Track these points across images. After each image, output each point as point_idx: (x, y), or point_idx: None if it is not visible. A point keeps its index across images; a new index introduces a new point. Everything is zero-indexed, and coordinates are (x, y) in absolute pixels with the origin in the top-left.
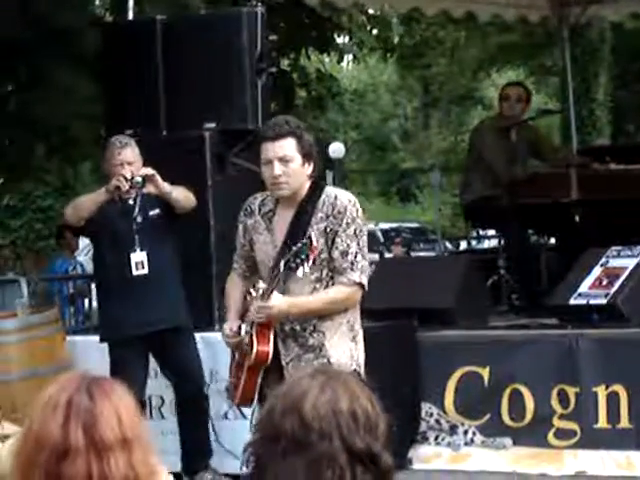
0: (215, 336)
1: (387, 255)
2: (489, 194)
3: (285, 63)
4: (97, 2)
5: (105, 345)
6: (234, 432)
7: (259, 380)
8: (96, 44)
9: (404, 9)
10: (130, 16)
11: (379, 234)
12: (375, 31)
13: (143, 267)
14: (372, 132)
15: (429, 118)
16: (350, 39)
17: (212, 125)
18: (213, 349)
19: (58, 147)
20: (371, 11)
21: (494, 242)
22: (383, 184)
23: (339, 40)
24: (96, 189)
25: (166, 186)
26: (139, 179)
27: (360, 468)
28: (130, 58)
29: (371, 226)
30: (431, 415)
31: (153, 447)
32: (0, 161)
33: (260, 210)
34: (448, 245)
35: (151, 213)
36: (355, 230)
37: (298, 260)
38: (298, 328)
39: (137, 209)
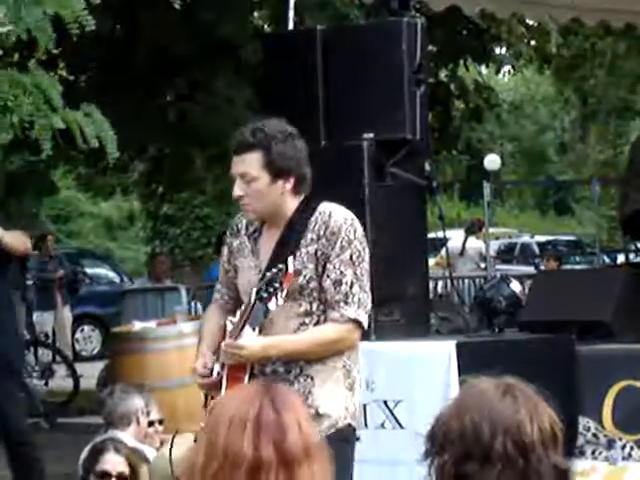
0: (371, 346)
1: (542, 268)
2: None
3: (443, 74)
4: (257, 14)
5: None
6: (392, 442)
7: None
8: (256, 55)
9: (564, 19)
10: (290, 27)
11: (535, 246)
12: (533, 42)
13: None
14: (529, 144)
15: (587, 130)
16: (508, 50)
17: (370, 135)
18: (369, 359)
19: (217, 157)
20: (530, 22)
21: None
22: (539, 196)
23: (497, 51)
24: None
25: None
26: None
27: None
28: (290, 68)
29: (527, 238)
30: (588, 429)
31: (329, 458)
32: (160, 171)
33: (247, 229)
34: (605, 258)
35: None
36: (351, 255)
37: (271, 289)
38: (281, 370)
39: None
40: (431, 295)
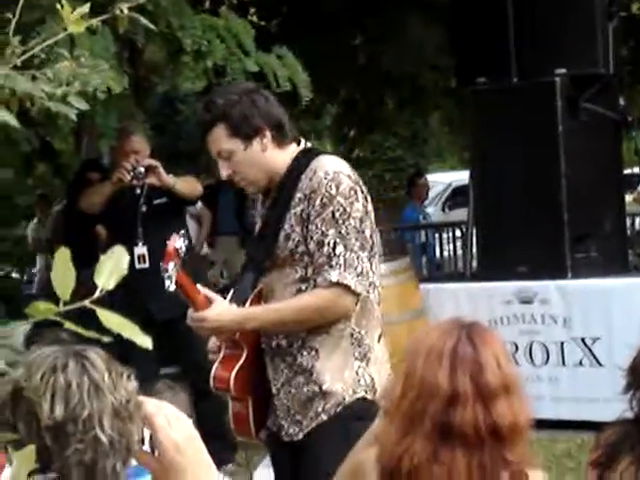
0: (567, 284)
1: None
2: None
3: (635, 7)
4: None
5: (457, 292)
6: (589, 379)
7: (249, 411)
8: None
9: None
10: None
11: None
12: None
13: (144, 261)
14: None
15: None
16: None
17: (563, 71)
18: (566, 297)
19: (408, 98)
20: None
21: None
22: None
23: None
24: (445, 139)
25: (169, 178)
26: (141, 170)
27: None
28: (480, 7)
29: None
30: None
31: (527, 394)
32: (351, 113)
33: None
34: None
35: (156, 202)
36: (334, 213)
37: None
38: (284, 343)
39: (142, 199)
40: (629, 232)
